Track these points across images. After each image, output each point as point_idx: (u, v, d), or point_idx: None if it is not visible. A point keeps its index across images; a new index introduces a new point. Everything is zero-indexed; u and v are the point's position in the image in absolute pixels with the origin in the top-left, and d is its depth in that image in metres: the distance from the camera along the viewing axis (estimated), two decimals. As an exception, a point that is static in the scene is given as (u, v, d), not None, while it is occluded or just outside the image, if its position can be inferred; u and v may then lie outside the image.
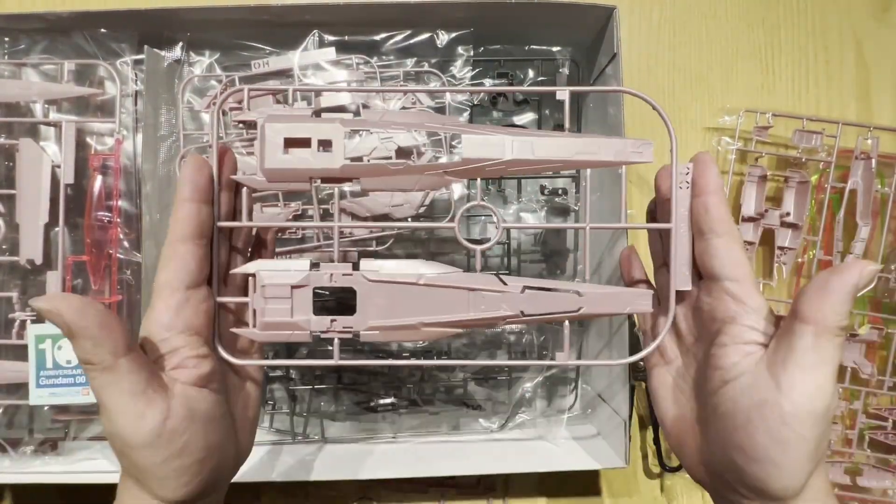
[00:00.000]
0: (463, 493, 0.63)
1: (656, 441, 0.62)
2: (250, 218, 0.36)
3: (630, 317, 0.53)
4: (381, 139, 0.55)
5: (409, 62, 0.57)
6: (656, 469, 0.64)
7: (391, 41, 0.56)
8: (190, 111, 0.57)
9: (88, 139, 0.56)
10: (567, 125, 0.36)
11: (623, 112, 0.53)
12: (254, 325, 0.34)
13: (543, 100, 0.59)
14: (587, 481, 0.65)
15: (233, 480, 0.38)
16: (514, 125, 0.59)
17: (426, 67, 0.56)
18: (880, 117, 0.67)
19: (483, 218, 0.60)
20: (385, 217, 0.57)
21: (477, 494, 0.64)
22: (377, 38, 0.56)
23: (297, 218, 0.57)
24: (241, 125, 0.57)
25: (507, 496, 0.64)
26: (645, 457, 0.65)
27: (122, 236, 0.55)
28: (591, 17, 0.55)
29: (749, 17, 0.67)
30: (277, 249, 0.57)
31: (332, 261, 0.36)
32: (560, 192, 0.60)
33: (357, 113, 0.55)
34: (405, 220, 0.57)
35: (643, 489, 0.65)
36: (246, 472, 0.55)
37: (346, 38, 0.56)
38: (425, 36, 0.56)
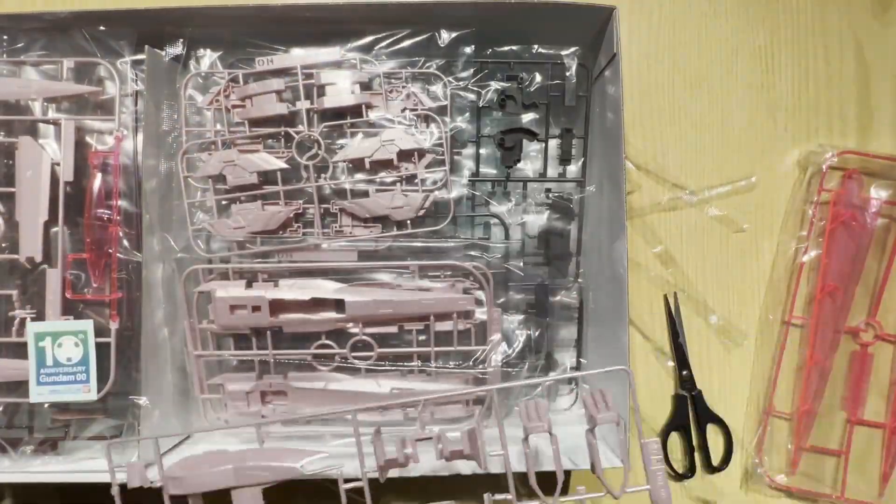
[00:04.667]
0: (461, 493, 0.64)
1: (664, 452, 0.64)
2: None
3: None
4: (383, 142, 0.55)
5: (411, 62, 0.57)
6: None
7: (394, 41, 0.56)
8: (192, 107, 0.57)
9: (88, 138, 0.56)
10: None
11: (623, 118, 0.54)
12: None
13: (551, 103, 0.59)
14: (587, 481, 0.65)
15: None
16: (521, 128, 0.59)
17: (427, 68, 0.56)
18: (880, 118, 0.67)
19: (485, 219, 0.60)
20: (385, 218, 0.57)
21: (476, 494, 0.64)
22: (380, 36, 0.56)
23: (297, 217, 0.57)
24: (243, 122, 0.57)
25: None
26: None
27: (121, 235, 0.54)
28: (591, 18, 0.55)
29: (749, 16, 0.67)
30: (275, 248, 0.57)
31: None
32: (566, 195, 0.60)
33: (360, 113, 0.56)
34: (405, 222, 0.57)
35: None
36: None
37: (349, 37, 0.56)
38: (427, 35, 0.56)
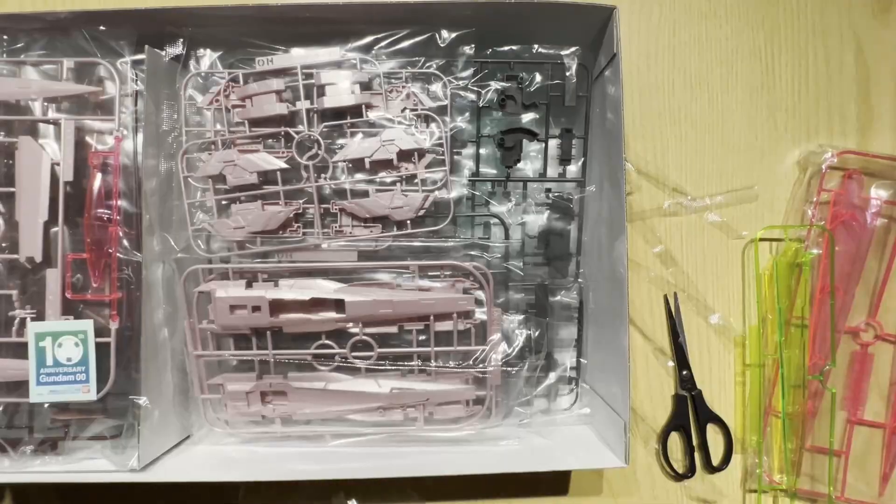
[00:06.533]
0: (462, 493, 0.64)
1: (664, 452, 0.64)
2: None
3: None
4: (383, 142, 0.55)
5: (411, 62, 0.57)
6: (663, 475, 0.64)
7: (394, 40, 0.56)
8: (192, 107, 0.57)
9: (88, 138, 0.56)
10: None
11: (623, 118, 0.54)
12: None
13: (551, 103, 0.59)
14: (587, 481, 0.65)
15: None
16: (521, 128, 0.59)
17: (427, 68, 0.56)
18: (880, 118, 0.67)
19: (485, 219, 0.60)
20: (385, 218, 0.57)
21: (476, 494, 0.64)
22: (380, 36, 0.56)
23: (297, 217, 0.57)
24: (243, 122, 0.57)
25: (507, 495, 0.64)
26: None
27: (121, 235, 0.54)
28: (591, 17, 0.55)
29: (749, 17, 0.67)
30: (275, 248, 0.57)
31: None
32: (566, 195, 0.60)
33: (360, 113, 0.56)
34: (404, 222, 0.57)
35: (643, 489, 0.65)
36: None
37: (349, 37, 0.56)
38: (427, 35, 0.56)
